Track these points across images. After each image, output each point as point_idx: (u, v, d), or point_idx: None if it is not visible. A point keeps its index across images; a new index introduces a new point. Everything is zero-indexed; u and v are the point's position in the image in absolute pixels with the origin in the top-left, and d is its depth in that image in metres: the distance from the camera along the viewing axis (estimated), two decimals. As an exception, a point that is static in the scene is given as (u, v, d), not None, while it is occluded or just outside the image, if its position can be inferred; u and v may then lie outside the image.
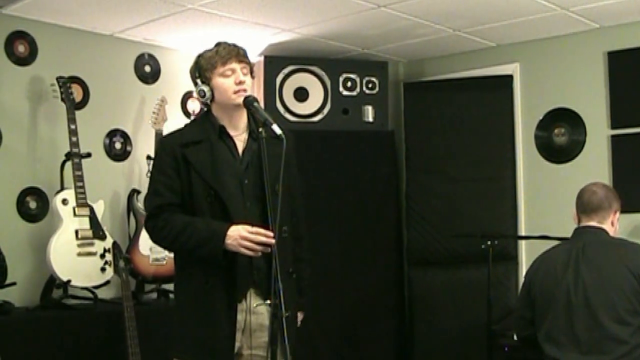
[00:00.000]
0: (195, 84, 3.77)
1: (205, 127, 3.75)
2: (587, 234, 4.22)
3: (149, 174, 5.45)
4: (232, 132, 3.77)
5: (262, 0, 5.28)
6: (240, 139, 3.78)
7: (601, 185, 4.35)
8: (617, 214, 4.29)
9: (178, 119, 6.06)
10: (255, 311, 3.69)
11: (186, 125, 3.94)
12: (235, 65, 3.71)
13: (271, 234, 3.51)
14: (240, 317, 3.67)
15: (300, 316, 4.00)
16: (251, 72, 3.80)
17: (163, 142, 3.88)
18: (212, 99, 3.75)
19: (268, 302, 3.46)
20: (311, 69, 6.40)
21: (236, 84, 3.69)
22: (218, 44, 3.76)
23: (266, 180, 3.54)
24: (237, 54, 3.73)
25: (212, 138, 3.72)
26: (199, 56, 3.78)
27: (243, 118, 3.81)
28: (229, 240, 3.55)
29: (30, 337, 4.80)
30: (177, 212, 3.67)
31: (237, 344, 3.68)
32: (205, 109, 3.86)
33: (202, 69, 3.73)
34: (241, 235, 3.54)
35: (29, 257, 5.36)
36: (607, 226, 4.23)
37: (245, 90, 3.70)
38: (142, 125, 6.03)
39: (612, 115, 5.94)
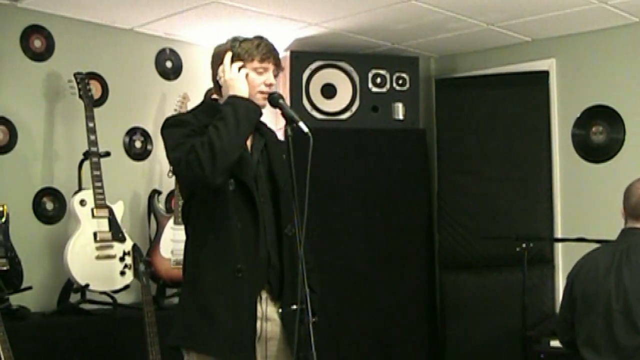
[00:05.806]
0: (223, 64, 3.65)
1: None
2: (633, 236, 4.15)
3: (170, 174, 5.45)
4: None
5: (288, -8, 5.29)
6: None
7: None
8: None
9: (201, 116, 6.01)
10: (269, 318, 3.61)
11: (192, 112, 3.73)
12: (270, 66, 3.65)
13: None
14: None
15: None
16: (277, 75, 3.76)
17: (183, 115, 3.82)
18: None
19: (294, 307, 3.38)
20: (339, 65, 6.34)
21: (266, 85, 3.63)
22: (260, 38, 3.67)
23: (292, 179, 3.44)
24: (275, 56, 3.67)
25: None
26: (235, 40, 3.66)
27: None
28: (234, 92, 3.53)
29: (47, 344, 4.78)
30: None
31: None
32: (215, 96, 3.72)
33: (237, 56, 3.62)
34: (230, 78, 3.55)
35: (45, 260, 5.33)
36: None
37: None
38: (163, 123, 5.94)
39: (651, 113, 5.91)
